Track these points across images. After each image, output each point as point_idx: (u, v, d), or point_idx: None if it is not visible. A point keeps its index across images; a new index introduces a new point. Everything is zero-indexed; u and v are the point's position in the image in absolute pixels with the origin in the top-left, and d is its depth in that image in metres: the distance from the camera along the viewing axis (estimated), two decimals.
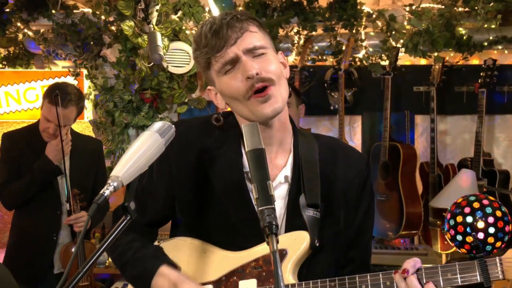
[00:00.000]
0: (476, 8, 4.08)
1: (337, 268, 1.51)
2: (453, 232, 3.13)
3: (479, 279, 1.29)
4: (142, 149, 1.45)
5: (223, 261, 1.61)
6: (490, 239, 2.95)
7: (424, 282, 1.34)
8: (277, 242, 1.23)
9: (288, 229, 1.55)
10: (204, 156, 1.65)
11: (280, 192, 1.59)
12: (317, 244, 1.51)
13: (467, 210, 3.13)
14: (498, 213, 3.09)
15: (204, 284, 1.61)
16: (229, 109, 1.66)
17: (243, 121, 1.60)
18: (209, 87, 1.64)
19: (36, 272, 3.54)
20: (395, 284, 1.39)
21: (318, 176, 1.60)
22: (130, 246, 1.69)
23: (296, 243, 1.51)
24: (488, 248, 2.86)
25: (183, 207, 1.71)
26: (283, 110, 1.57)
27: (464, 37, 4.26)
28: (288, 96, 1.98)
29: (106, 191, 1.36)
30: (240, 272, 1.58)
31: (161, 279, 1.60)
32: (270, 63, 1.51)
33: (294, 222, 1.55)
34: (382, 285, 1.40)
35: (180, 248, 1.70)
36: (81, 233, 1.64)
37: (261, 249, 1.56)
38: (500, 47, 4.34)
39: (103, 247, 1.34)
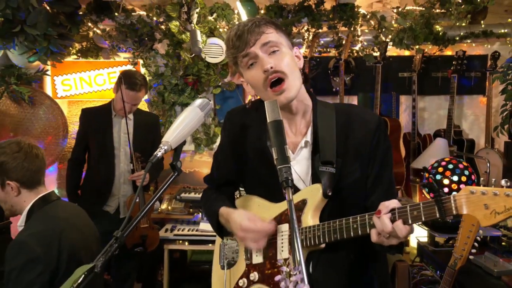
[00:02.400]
0: (450, 9, 4.05)
1: (358, 212, 1.44)
2: (425, 191, 3.13)
3: (437, 215, 1.26)
4: (186, 120, 1.46)
5: (269, 210, 1.65)
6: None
7: (396, 219, 1.30)
8: (293, 193, 1.25)
9: (314, 183, 1.55)
10: (244, 132, 1.71)
11: (304, 155, 1.61)
12: (329, 194, 1.50)
13: (440, 169, 3.12)
14: (465, 172, 3.08)
15: None
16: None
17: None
18: (241, 79, 1.67)
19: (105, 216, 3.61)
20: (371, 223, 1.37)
21: (334, 137, 1.58)
22: (208, 198, 1.83)
23: (312, 194, 1.51)
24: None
25: (241, 175, 1.79)
26: (301, 90, 1.60)
27: (440, 33, 4.22)
28: None
29: (159, 152, 1.38)
30: (278, 218, 1.61)
31: (221, 219, 1.69)
32: (283, 59, 1.52)
33: (316, 177, 1.54)
34: (367, 224, 1.37)
35: (245, 203, 1.77)
36: (140, 186, 1.67)
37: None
38: (469, 41, 4.28)
39: (156, 196, 1.36)
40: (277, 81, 1.50)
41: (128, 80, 3.44)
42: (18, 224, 2.23)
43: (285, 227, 1.57)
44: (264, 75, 1.50)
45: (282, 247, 1.56)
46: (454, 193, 1.30)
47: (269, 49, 1.52)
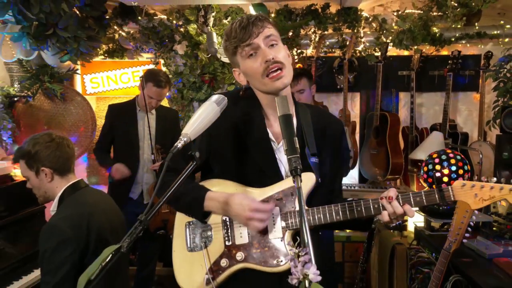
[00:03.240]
0: (447, 12, 4.01)
1: (330, 197, 1.59)
2: (426, 175, 3.10)
3: (438, 201, 1.48)
4: (204, 114, 1.46)
5: (254, 195, 1.59)
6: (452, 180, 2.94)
7: (402, 204, 1.46)
8: (301, 181, 1.25)
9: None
10: (235, 120, 1.64)
11: None
12: (320, 181, 1.56)
13: (436, 160, 3.09)
14: (460, 163, 3.05)
15: None
16: None
17: (259, 93, 1.65)
18: (234, 69, 1.66)
19: (130, 201, 3.63)
20: (381, 206, 1.47)
21: (313, 133, 1.63)
22: (169, 183, 1.54)
23: (306, 181, 1.51)
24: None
25: (221, 158, 1.67)
26: (287, 88, 1.61)
27: (437, 34, 4.17)
28: (300, 79, 1.99)
29: (179, 144, 1.37)
30: (267, 202, 1.56)
31: (211, 203, 1.57)
32: (280, 51, 1.55)
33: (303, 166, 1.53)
34: (372, 208, 1.49)
35: (220, 185, 1.66)
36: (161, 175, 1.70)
37: (280, 185, 1.58)
38: (463, 41, 4.22)
39: (177, 183, 1.36)
40: (275, 70, 1.51)
41: (154, 78, 3.49)
42: (50, 209, 2.26)
43: (275, 210, 1.55)
44: (265, 64, 1.50)
45: (274, 228, 1.54)
46: (449, 185, 1.53)
47: (269, 42, 1.53)
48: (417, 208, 3.50)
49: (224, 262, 1.58)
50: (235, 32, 1.53)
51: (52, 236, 2.03)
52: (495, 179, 1.50)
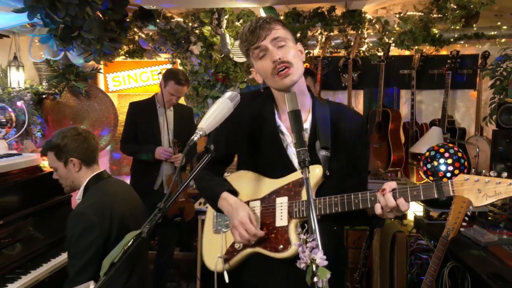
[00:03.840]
0: (446, 14, 3.96)
1: (341, 191, 1.49)
2: (425, 168, 3.08)
3: (436, 195, 1.30)
4: (218, 110, 1.46)
5: (267, 185, 1.62)
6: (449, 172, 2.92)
7: (398, 197, 1.34)
8: (309, 172, 1.24)
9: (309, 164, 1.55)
10: (251, 115, 1.66)
11: None
12: (328, 174, 1.52)
13: (435, 154, 3.07)
14: (457, 156, 3.03)
15: (254, 200, 1.63)
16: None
17: (274, 91, 1.64)
18: (251, 69, 1.66)
19: (151, 191, 3.66)
20: (377, 199, 1.39)
21: (329, 127, 1.59)
22: (205, 178, 1.73)
23: (314, 173, 1.50)
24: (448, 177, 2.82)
25: (241, 151, 1.73)
26: (301, 82, 1.59)
27: (437, 35, 4.12)
28: (306, 78, 1.95)
29: (195, 137, 1.38)
30: (276, 192, 1.59)
31: (223, 202, 1.62)
32: (289, 51, 1.52)
33: (312, 159, 1.52)
34: (368, 200, 1.40)
35: (240, 178, 1.71)
36: (178, 167, 1.68)
37: (290, 177, 1.58)
38: (462, 42, 4.17)
39: (193, 175, 1.36)
40: (283, 69, 1.50)
41: (175, 77, 3.52)
42: (76, 197, 2.28)
43: (283, 199, 1.56)
44: (273, 64, 1.50)
45: (281, 216, 1.55)
46: (449, 179, 1.37)
47: (277, 43, 1.52)
48: (413, 203, 3.48)
49: (238, 245, 1.61)
50: (245, 36, 1.54)
51: (79, 222, 2.05)
52: (505, 174, 1.28)
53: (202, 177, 1.75)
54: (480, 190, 1.27)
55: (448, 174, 2.93)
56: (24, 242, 2.76)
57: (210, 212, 1.79)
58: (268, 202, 1.59)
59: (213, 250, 1.70)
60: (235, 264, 1.63)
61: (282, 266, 1.54)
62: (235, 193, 1.66)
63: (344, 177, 1.61)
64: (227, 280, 1.60)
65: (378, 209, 1.37)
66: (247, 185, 1.68)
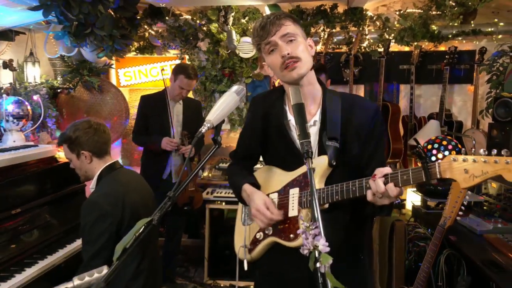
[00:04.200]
0: (445, 11, 3.92)
1: (355, 178, 1.44)
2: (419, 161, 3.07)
3: (423, 178, 1.25)
4: (225, 103, 1.47)
5: (283, 177, 1.65)
6: None
7: (389, 182, 1.30)
8: (312, 163, 1.23)
9: (320, 155, 1.54)
10: (265, 113, 1.68)
11: (312, 131, 1.55)
12: (334, 163, 1.49)
13: (433, 146, 3.06)
14: (454, 148, 3.02)
15: (273, 192, 1.66)
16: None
17: (284, 84, 1.64)
18: (263, 63, 1.69)
19: (160, 180, 3.67)
20: (370, 185, 1.36)
21: (339, 119, 1.56)
22: (233, 172, 1.84)
23: (320, 163, 1.50)
24: None
25: (260, 145, 1.75)
26: (310, 75, 1.58)
27: (435, 32, 4.07)
28: (318, 72, 1.94)
29: (203, 129, 1.38)
30: (290, 184, 1.60)
31: (244, 194, 1.69)
32: (298, 47, 1.51)
33: (322, 150, 1.54)
34: (364, 187, 1.37)
35: (263, 172, 1.77)
36: (187, 157, 1.70)
37: (302, 169, 1.58)
38: (460, 38, 4.12)
39: (201, 165, 1.37)
40: (291, 63, 1.50)
41: (185, 71, 3.52)
42: (90, 187, 2.29)
43: (295, 190, 1.57)
44: (282, 59, 1.49)
45: (292, 206, 1.56)
46: (439, 160, 1.26)
47: (287, 38, 1.51)
48: (412, 193, 3.49)
49: (259, 235, 1.66)
50: (256, 32, 1.54)
51: (93, 211, 2.06)
52: (494, 151, 1.19)
53: (232, 172, 1.85)
54: (467, 171, 1.19)
55: (439, 161, 2.93)
56: (41, 229, 2.79)
57: (240, 205, 1.85)
58: (283, 194, 1.62)
59: (240, 240, 1.77)
60: (258, 253, 1.67)
61: (295, 255, 1.53)
62: (256, 186, 1.69)
63: (357, 168, 1.56)
64: (245, 268, 1.66)
65: (369, 196, 1.35)
66: (268, 178, 1.72)
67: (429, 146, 3.07)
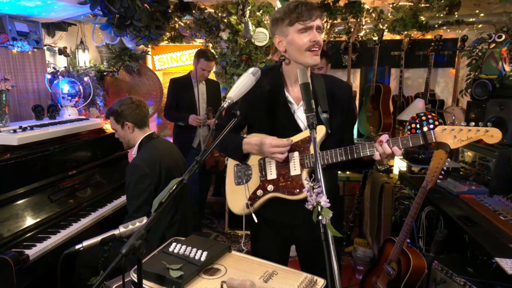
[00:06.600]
0: (433, 4, 3.75)
1: (339, 144, 1.51)
2: (409, 132, 3.02)
3: (422, 142, 1.37)
4: (243, 82, 1.44)
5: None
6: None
7: (392, 146, 1.38)
8: (316, 133, 1.22)
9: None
10: (264, 89, 1.62)
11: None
12: (329, 131, 1.52)
13: (418, 120, 3.00)
14: (436, 123, 2.96)
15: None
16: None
17: (293, 64, 1.58)
18: (276, 36, 1.57)
19: (190, 148, 3.69)
20: (375, 149, 1.42)
21: (325, 95, 1.57)
22: (225, 139, 1.66)
23: (319, 132, 1.50)
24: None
25: (255, 118, 1.67)
26: None
27: (423, 22, 3.91)
28: (321, 59, 1.90)
29: (224, 104, 1.36)
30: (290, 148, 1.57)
31: (246, 146, 1.63)
32: (321, 38, 1.50)
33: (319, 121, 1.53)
34: (367, 150, 1.43)
35: (257, 137, 1.66)
36: (212, 128, 1.71)
37: (300, 135, 1.57)
38: (444, 27, 3.95)
39: (224, 133, 1.36)
40: (316, 49, 1.50)
41: (205, 54, 3.49)
42: (132, 153, 2.31)
43: (295, 154, 1.55)
44: (311, 43, 1.47)
45: (294, 167, 1.55)
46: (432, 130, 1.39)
47: (318, 29, 1.50)
48: (398, 160, 3.45)
49: (259, 192, 1.62)
50: (300, 9, 1.47)
51: (135, 172, 2.09)
52: (472, 123, 1.36)
53: (223, 139, 1.66)
54: (455, 136, 1.35)
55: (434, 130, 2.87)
56: (92, 187, 2.85)
57: (230, 169, 1.76)
58: None
59: (236, 198, 1.69)
60: (257, 207, 1.64)
61: (295, 206, 1.54)
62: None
63: (341, 133, 1.62)
64: (256, 221, 1.60)
65: (377, 156, 1.41)
66: None
67: (408, 121, 3.02)
